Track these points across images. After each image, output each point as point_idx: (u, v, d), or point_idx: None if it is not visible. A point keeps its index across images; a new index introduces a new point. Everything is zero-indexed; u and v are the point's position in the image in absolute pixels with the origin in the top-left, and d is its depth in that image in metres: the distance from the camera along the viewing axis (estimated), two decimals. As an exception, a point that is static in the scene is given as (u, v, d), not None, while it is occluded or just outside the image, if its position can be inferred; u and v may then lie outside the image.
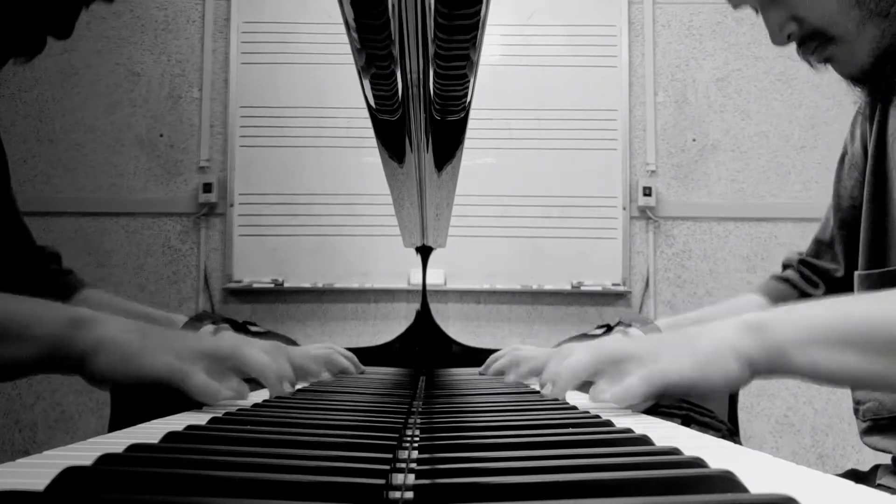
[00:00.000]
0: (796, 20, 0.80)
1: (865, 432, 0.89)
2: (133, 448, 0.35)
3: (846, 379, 0.67)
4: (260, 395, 0.74)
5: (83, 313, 0.67)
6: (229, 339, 0.73)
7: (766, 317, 0.67)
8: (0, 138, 0.96)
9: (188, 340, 0.69)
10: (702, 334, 0.68)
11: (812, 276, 1.03)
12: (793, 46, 0.84)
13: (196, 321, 0.93)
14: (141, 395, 0.66)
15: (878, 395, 0.86)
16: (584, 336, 1.16)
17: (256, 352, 0.70)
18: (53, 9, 0.77)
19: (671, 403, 1.01)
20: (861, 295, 0.85)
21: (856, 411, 0.91)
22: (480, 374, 1.00)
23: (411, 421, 0.54)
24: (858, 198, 0.92)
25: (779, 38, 0.82)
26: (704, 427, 0.99)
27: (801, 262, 1.05)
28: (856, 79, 0.82)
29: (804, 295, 1.02)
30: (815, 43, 0.80)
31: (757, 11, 0.86)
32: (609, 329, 1.01)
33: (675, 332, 0.74)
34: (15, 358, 0.64)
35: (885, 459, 0.89)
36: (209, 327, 0.92)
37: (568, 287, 2.58)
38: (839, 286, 0.99)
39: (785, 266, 1.09)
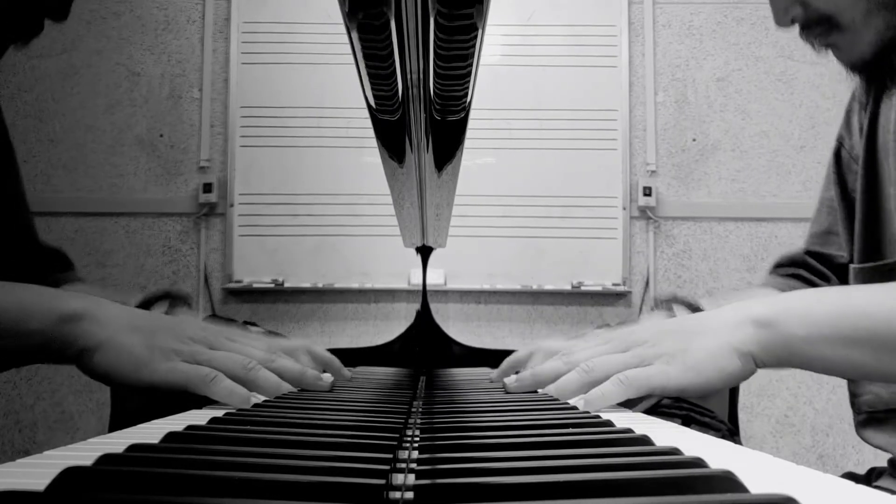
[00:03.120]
0: (802, 4, 0.79)
1: (861, 425, 0.89)
2: (133, 448, 0.35)
3: (856, 374, 0.67)
4: (261, 396, 0.74)
5: (77, 307, 0.63)
6: (257, 352, 0.70)
7: (773, 311, 0.66)
8: (6, 131, 0.95)
9: (202, 351, 0.65)
10: (705, 329, 0.67)
11: (821, 267, 1.00)
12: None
13: (149, 303, 0.86)
14: (143, 395, 0.64)
15: (874, 388, 0.86)
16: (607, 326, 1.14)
17: (287, 360, 0.69)
18: None
19: (671, 403, 1.01)
20: (871, 286, 0.84)
21: (852, 403, 0.90)
22: (493, 381, 0.94)
23: (411, 421, 0.54)
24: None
25: (783, 20, 0.82)
26: (704, 427, 0.99)
27: (808, 252, 1.02)
28: (856, 67, 0.81)
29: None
30: (819, 28, 0.80)
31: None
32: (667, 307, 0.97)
33: (676, 324, 0.73)
34: (8, 350, 0.62)
35: (882, 461, 0.89)
36: (162, 306, 0.86)
37: (568, 287, 2.58)
38: (845, 272, 0.97)
39: (780, 265, 1.06)
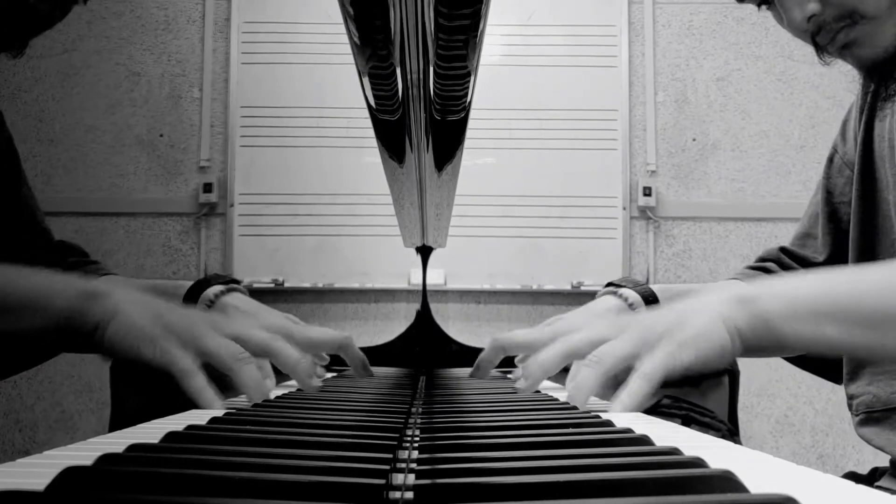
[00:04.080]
0: (821, 2, 0.77)
1: (860, 425, 0.89)
2: (133, 448, 0.35)
3: (831, 349, 0.70)
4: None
5: (97, 285, 0.68)
6: (257, 335, 0.71)
7: (754, 290, 0.69)
8: (10, 137, 0.96)
9: (203, 334, 0.66)
10: (694, 310, 0.68)
11: (794, 265, 1.02)
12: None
13: (203, 284, 0.89)
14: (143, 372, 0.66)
15: (872, 389, 0.86)
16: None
17: (286, 347, 0.70)
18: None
19: (671, 403, 1.01)
20: (844, 268, 0.86)
21: (849, 406, 0.91)
22: (471, 376, 0.95)
23: (411, 421, 0.54)
24: (849, 194, 0.92)
25: (799, 21, 0.79)
26: (704, 427, 0.99)
27: (782, 249, 1.03)
28: (877, 65, 0.80)
29: None
30: (840, 24, 0.78)
31: (759, 6, 0.85)
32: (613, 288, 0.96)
33: (666, 309, 0.73)
34: (33, 329, 0.66)
35: (884, 461, 0.89)
36: (217, 288, 0.88)
37: (568, 287, 2.58)
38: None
39: (762, 259, 1.07)
